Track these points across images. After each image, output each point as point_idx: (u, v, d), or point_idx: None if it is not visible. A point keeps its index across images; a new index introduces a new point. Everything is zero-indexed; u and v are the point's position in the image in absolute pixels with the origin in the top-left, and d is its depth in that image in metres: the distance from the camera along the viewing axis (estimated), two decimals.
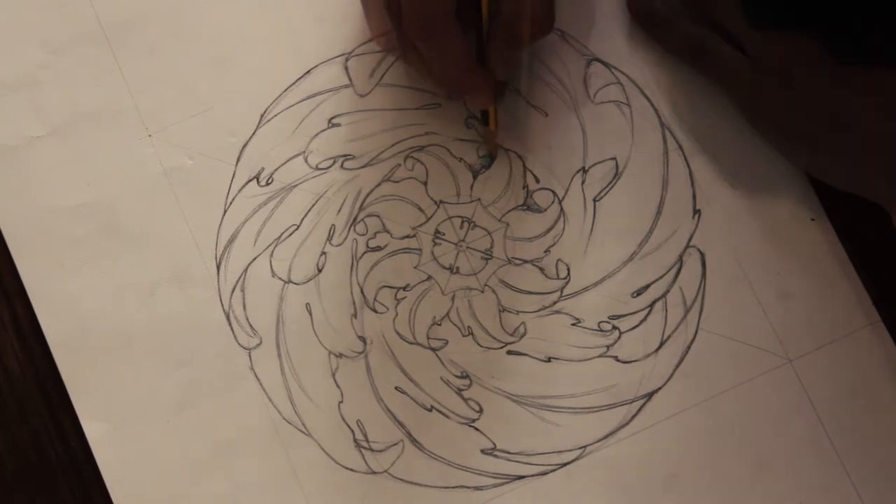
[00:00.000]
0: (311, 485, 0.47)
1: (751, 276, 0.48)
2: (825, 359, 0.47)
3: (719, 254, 0.48)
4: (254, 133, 0.49)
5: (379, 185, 0.49)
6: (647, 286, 0.48)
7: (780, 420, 0.47)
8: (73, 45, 0.50)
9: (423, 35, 0.44)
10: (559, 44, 0.49)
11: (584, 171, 0.49)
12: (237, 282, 0.48)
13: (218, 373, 0.48)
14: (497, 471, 0.47)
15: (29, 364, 0.48)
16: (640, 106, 0.49)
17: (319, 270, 0.49)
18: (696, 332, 0.48)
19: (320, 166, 0.49)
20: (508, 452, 0.47)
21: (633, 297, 0.48)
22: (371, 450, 0.47)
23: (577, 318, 0.48)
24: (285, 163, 0.49)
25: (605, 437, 0.47)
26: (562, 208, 0.49)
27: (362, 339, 0.48)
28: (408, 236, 0.49)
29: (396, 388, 0.48)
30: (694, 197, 0.49)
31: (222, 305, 0.48)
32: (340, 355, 0.48)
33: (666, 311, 0.48)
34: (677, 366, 0.48)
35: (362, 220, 0.49)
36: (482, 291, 0.48)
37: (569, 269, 0.48)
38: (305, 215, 0.49)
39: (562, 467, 0.47)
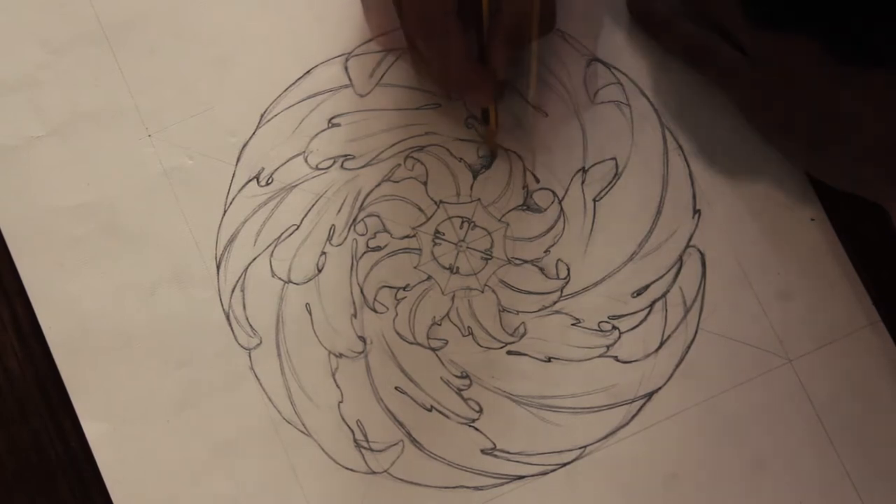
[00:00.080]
0: (311, 485, 0.47)
1: (751, 276, 0.48)
2: (825, 359, 0.47)
3: (719, 254, 0.48)
4: (254, 133, 0.49)
5: (379, 185, 0.49)
6: (647, 286, 0.48)
7: (780, 420, 0.47)
8: (73, 45, 0.50)
9: (423, 34, 0.44)
10: (559, 44, 0.49)
11: (584, 171, 0.49)
12: (237, 282, 0.48)
13: (218, 373, 0.48)
14: (497, 471, 0.47)
15: (29, 364, 0.48)
16: (640, 106, 0.49)
17: (319, 270, 0.49)
18: (696, 332, 0.48)
19: (320, 166, 0.49)
20: (508, 452, 0.47)
21: (633, 297, 0.48)
22: (371, 450, 0.47)
23: (577, 318, 0.48)
24: (285, 163, 0.49)
25: (605, 437, 0.47)
26: (562, 208, 0.49)
27: (362, 339, 0.48)
28: (408, 236, 0.49)
29: (396, 388, 0.48)
30: (694, 197, 0.49)
31: (222, 305, 0.48)
32: (340, 355, 0.48)
33: (666, 311, 0.48)
34: (677, 366, 0.48)
35: (362, 220, 0.49)
36: (482, 291, 0.48)
37: (569, 269, 0.48)
38: (305, 215, 0.49)
39: (562, 467, 0.47)
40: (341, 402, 0.48)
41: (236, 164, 0.49)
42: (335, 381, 0.48)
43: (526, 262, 0.49)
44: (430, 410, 0.48)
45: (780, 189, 0.48)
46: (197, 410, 0.48)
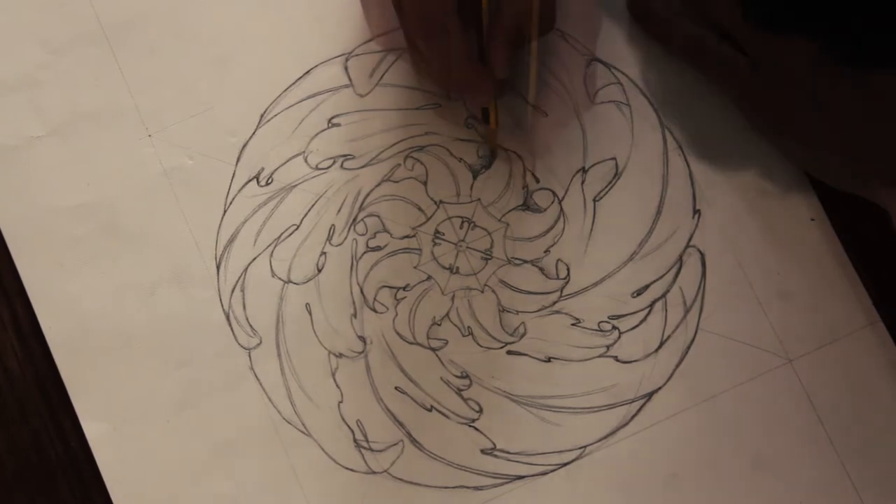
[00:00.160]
0: (311, 485, 0.47)
1: (751, 276, 0.48)
2: (825, 359, 0.47)
3: (719, 254, 0.48)
4: (254, 133, 0.49)
5: (379, 185, 0.49)
6: (647, 286, 0.48)
7: (780, 420, 0.47)
8: (73, 45, 0.50)
9: (423, 34, 0.44)
10: (559, 44, 0.49)
11: (584, 171, 0.49)
12: (237, 282, 0.48)
13: (218, 373, 0.48)
14: (497, 471, 0.47)
15: (29, 364, 0.48)
16: (640, 106, 0.49)
17: (319, 270, 0.49)
18: (696, 332, 0.48)
19: (320, 166, 0.49)
20: (508, 452, 0.47)
21: (633, 297, 0.48)
22: (371, 450, 0.47)
23: (576, 318, 0.48)
24: (285, 163, 0.49)
25: (605, 437, 0.47)
26: (562, 208, 0.49)
27: (362, 339, 0.48)
28: (408, 236, 0.49)
29: (396, 388, 0.48)
30: (694, 197, 0.49)
31: (222, 305, 0.48)
32: (340, 355, 0.48)
33: (666, 311, 0.48)
34: (677, 366, 0.48)
35: (362, 220, 0.49)
36: (482, 291, 0.48)
37: (569, 269, 0.48)
38: (305, 215, 0.49)
39: (562, 467, 0.47)
40: (341, 402, 0.48)
41: (236, 164, 0.49)
42: (335, 381, 0.48)
43: (526, 262, 0.49)
44: (430, 410, 0.48)
45: (780, 189, 0.48)
46: (197, 410, 0.48)
